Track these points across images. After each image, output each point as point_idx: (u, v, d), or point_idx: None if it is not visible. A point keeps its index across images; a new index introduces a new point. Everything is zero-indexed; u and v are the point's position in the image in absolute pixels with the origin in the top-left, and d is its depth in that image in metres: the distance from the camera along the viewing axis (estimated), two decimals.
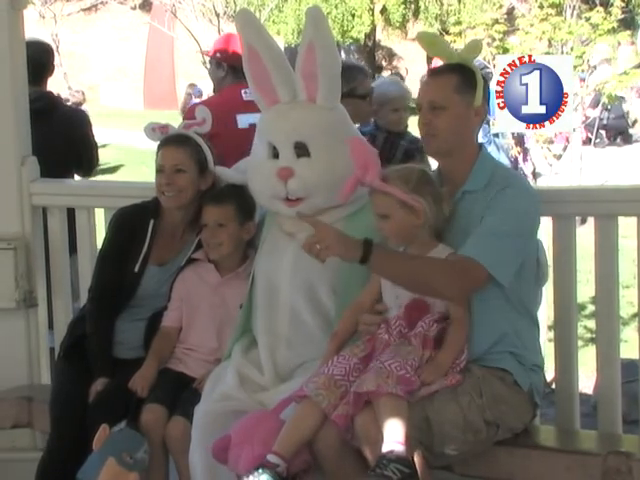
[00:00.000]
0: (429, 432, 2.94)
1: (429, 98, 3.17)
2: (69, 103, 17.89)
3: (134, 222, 3.67)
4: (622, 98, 17.69)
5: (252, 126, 4.57)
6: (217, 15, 19.49)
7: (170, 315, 3.63)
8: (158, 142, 3.67)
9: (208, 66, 4.98)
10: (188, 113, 4.52)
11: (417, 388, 2.94)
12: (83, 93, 19.82)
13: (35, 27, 21.69)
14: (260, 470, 2.89)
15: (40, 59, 4.81)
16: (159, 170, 3.61)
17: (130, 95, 25.89)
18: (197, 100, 19.00)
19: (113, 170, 16.83)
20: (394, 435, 2.81)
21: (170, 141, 3.64)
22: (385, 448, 2.79)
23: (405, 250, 3.14)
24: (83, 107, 18.65)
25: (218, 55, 4.80)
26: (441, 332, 3.04)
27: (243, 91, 4.64)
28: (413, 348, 3.00)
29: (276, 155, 3.35)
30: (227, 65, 4.76)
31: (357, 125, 4.03)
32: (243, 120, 4.58)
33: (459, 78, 3.15)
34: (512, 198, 3.10)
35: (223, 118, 4.58)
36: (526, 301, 3.20)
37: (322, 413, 2.96)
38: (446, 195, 3.11)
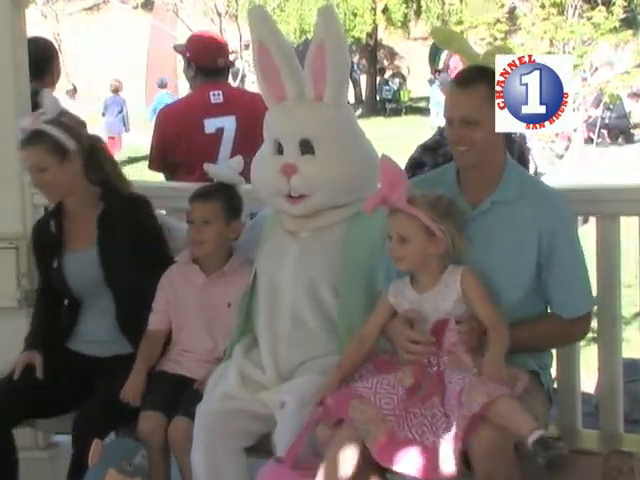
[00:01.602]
0: None
1: (461, 114, 3.02)
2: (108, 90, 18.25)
3: (40, 236, 3.81)
4: (636, 96, 17.70)
5: (219, 130, 4.51)
6: (219, 14, 19.54)
7: (155, 318, 3.63)
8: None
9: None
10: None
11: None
12: (120, 81, 20.03)
13: (37, 26, 21.70)
14: None
15: (41, 56, 4.78)
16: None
17: (130, 95, 25.86)
18: (162, 90, 19.07)
19: (135, 161, 16.88)
20: (530, 424, 2.74)
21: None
22: (532, 438, 2.70)
23: (414, 277, 3.04)
24: (121, 94, 18.88)
25: (188, 55, 4.69)
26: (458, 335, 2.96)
27: (212, 93, 4.57)
28: (461, 358, 2.92)
29: (281, 151, 3.35)
30: (195, 65, 4.66)
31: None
32: (210, 125, 4.52)
33: (487, 86, 3.01)
34: (570, 224, 3.13)
35: (189, 123, 4.53)
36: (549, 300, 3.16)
37: (362, 446, 2.86)
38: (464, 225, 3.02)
